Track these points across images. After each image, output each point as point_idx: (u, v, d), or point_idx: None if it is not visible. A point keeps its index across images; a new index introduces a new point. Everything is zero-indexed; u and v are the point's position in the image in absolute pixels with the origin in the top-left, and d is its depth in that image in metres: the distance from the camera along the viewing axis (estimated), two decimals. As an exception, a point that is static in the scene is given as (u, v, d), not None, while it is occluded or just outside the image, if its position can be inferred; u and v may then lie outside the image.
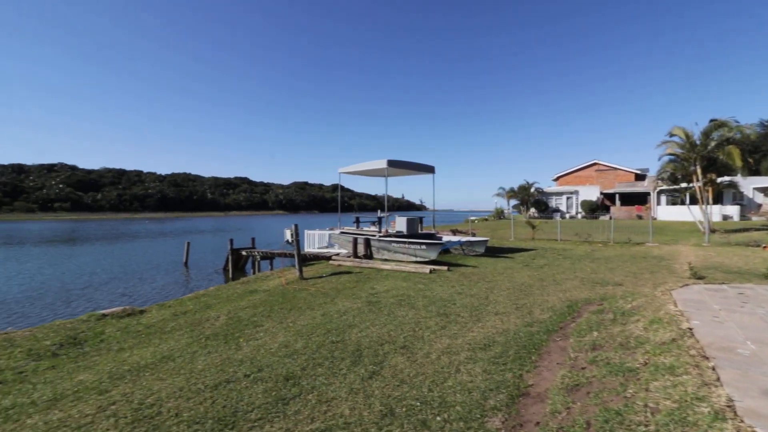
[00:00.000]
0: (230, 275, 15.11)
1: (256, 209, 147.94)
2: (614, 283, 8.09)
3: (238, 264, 15.72)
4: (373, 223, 15.50)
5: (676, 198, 30.67)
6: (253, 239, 16.30)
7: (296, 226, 10.02)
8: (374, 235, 12.83)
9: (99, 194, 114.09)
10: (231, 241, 15.69)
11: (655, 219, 30.39)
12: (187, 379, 3.85)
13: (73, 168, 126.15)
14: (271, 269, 14.03)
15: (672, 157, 20.38)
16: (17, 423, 3.12)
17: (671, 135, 19.90)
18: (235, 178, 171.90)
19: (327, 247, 15.13)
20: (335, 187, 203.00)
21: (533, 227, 19.83)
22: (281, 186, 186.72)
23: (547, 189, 44.42)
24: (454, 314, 5.99)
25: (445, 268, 10.24)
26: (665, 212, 32.81)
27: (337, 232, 14.87)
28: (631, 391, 2.97)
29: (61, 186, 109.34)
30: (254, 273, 15.21)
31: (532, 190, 44.21)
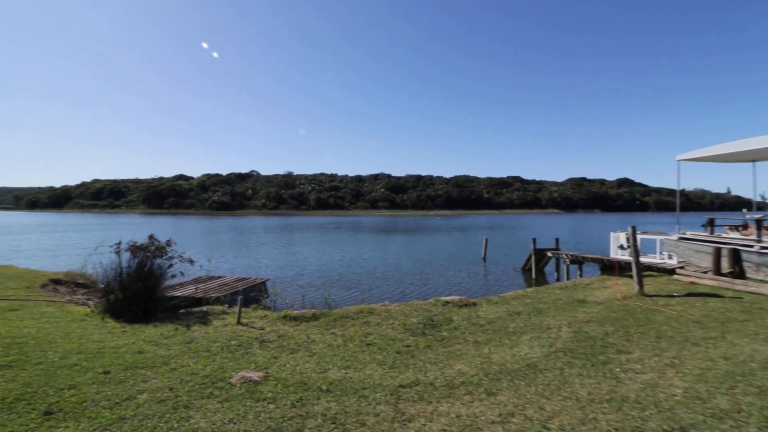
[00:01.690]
0: (533, 276, 14.53)
1: (528, 207, 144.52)
2: None
3: (538, 264, 14.93)
4: (737, 228, 10.99)
5: None
6: (557, 240, 15.13)
7: (633, 228, 8.08)
8: (750, 245, 8.90)
9: (405, 195, 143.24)
10: (534, 240, 15.11)
11: None
12: (581, 408, 3.20)
13: (389, 176, 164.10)
14: (580, 275, 12.38)
15: None
16: (429, 404, 3.33)
17: None
18: (508, 177, 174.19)
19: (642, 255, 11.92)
20: (621, 182, 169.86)
21: None
22: (555, 183, 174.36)
23: None
24: None
25: None
26: None
27: (674, 237, 11.45)
28: None
29: (382, 190, 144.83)
30: (557, 277, 14.01)
31: None
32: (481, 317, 6.59)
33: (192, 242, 30.55)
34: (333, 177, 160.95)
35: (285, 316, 6.36)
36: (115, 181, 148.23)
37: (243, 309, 7.01)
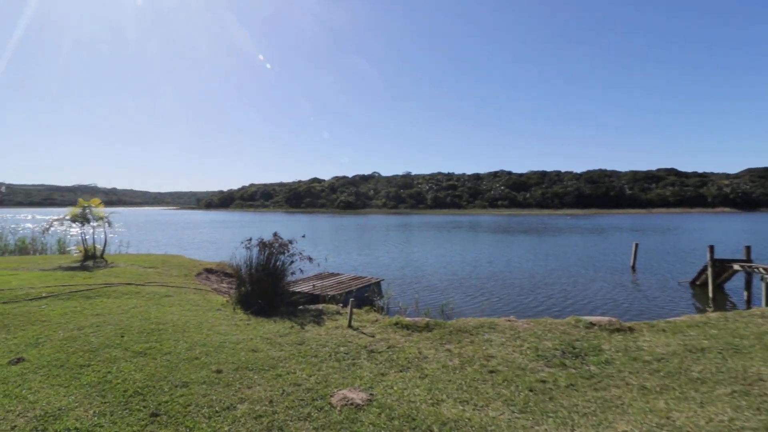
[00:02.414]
0: (710, 295, 11.24)
1: (687, 205, 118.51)
2: None
3: (717, 279, 11.47)
4: None
5: None
6: (747, 248, 11.33)
7: None
8: None
9: (527, 193, 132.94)
10: (710, 248, 11.63)
11: None
12: None
13: (510, 173, 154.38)
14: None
15: None
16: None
17: None
18: (658, 170, 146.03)
19: None
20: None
21: None
22: (727, 176, 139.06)
23: None
24: None
25: None
26: None
27: None
28: None
29: (502, 188, 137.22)
30: (747, 298, 10.55)
31: None
32: (644, 350, 5.02)
33: (323, 237, 33.33)
34: (450, 176, 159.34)
35: (397, 323, 5.88)
36: (265, 185, 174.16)
37: (355, 310, 6.81)
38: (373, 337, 5.30)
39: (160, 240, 31.71)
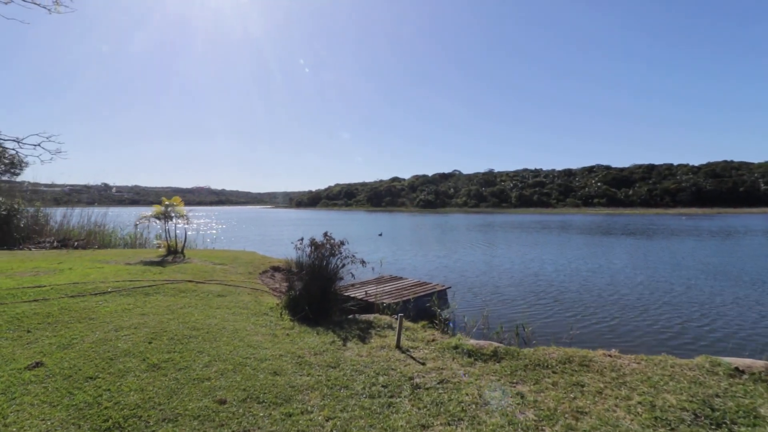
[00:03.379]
0: None
1: None
2: None
3: None
4: None
5: None
6: None
7: None
8: None
9: (630, 190, 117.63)
10: None
11: None
12: None
13: (608, 168, 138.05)
14: None
15: None
16: None
17: None
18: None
19: None
20: None
21: None
22: None
23: None
24: None
25: None
26: None
27: None
28: None
29: (599, 184, 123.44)
30: None
31: None
32: (840, 425, 3.25)
33: (399, 236, 32.88)
34: (537, 172, 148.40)
35: (456, 347, 4.82)
36: (348, 185, 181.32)
37: (412, 325, 5.90)
38: (423, 364, 4.33)
39: (248, 236, 34.19)
